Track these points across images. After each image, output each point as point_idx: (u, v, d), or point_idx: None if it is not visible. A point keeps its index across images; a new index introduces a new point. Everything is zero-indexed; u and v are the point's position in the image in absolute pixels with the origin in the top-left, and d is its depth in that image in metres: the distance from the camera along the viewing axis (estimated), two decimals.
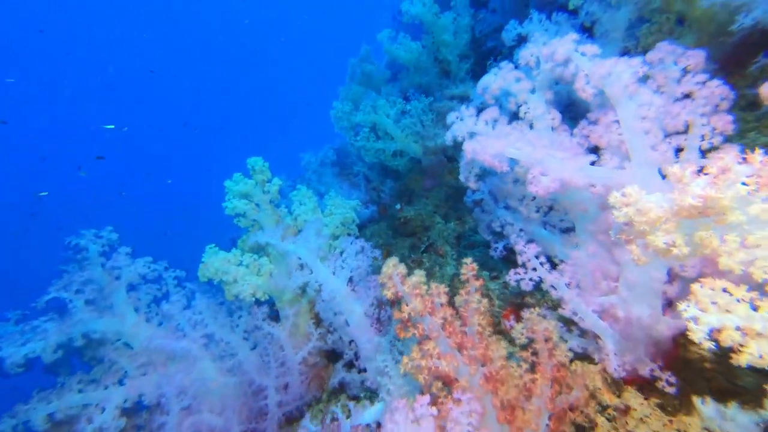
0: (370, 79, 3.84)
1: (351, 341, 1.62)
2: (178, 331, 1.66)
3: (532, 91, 1.30)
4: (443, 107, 2.65)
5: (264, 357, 1.69)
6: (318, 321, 1.85)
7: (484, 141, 1.18)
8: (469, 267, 1.13)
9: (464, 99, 2.66)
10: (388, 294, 1.07)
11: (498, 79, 1.31)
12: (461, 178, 1.46)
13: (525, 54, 1.30)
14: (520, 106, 1.29)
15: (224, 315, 1.76)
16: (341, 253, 1.66)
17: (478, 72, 3.44)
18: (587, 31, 2.06)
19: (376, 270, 1.95)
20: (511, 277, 1.27)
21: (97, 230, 1.70)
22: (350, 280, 1.60)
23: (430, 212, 2.61)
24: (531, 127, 1.26)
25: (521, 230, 1.39)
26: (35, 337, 1.41)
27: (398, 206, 2.63)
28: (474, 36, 3.47)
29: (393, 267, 1.09)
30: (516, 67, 1.38)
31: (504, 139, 1.14)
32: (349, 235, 1.90)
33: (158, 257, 1.93)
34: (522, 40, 2.19)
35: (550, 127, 1.22)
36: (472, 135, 1.30)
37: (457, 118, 1.36)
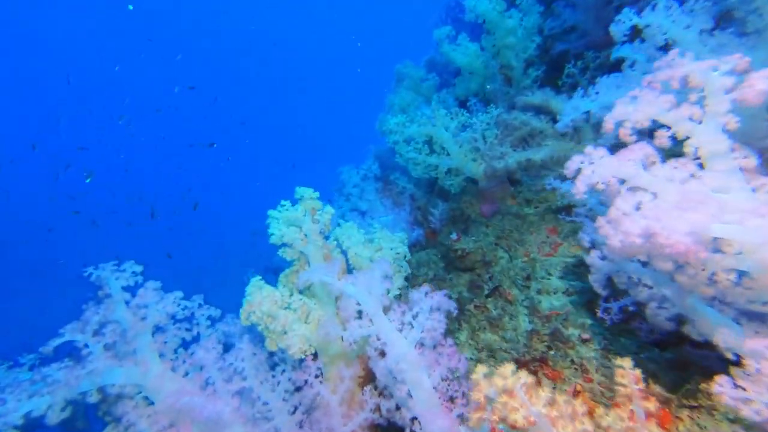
0: (419, 85, 3.57)
1: (414, 418, 1.34)
2: (209, 386, 1.44)
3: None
4: (514, 120, 2.34)
5: (305, 426, 1.44)
6: (365, 382, 1.59)
7: (657, 211, 0.86)
8: (630, 375, 0.83)
9: (542, 111, 2.34)
10: (510, 419, 0.78)
11: (645, 106, 1.00)
12: (591, 281, 1.16)
13: (681, 70, 0.98)
14: (681, 140, 0.98)
15: (266, 368, 1.53)
16: (411, 306, 1.38)
17: (545, 81, 3.11)
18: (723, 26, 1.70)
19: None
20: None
21: (119, 262, 1.50)
22: (420, 342, 1.33)
23: (492, 244, 2.31)
24: (701, 168, 0.94)
25: (666, 299, 1.08)
26: (42, 389, 1.21)
27: (454, 235, 2.34)
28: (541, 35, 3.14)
29: (514, 378, 0.80)
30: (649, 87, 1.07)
31: (699, 205, 0.83)
32: (407, 280, 1.63)
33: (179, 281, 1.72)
34: (637, 34, 1.86)
35: (738, 169, 0.90)
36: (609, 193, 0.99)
37: (585, 162, 1.06)
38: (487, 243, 2.31)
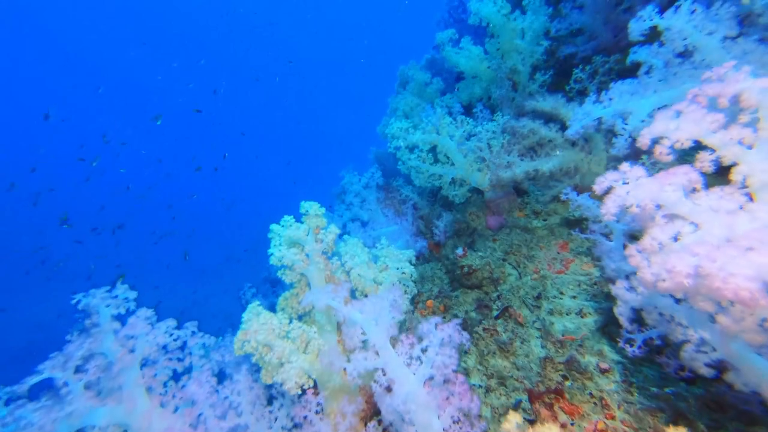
0: (423, 89, 3.47)
1: None
2: (200, 424, 1.33)
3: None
4: (522, 128, 2.24)
5: None
6: (367, 415, 1.49)
7: (707, 248, 0.76)
8: None
9: (552, 118, 2.24)
10: None
11: (689, 124, 0.90)
12: (617, 313, 1.05)
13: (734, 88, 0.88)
14: (728, 166, 0.88)
15: (263, 402, 1.42)
16: (420, 338, 1.28)
17: (552, 86, 3.01)
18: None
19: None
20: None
21: (111, 287, 1.39)
22: (430, 378, 1.22)
23: (499, 260, 2.20)
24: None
25: (705, 342, 0.98)
26: None
27: (459, 250, 2.24)
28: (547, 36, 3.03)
29: None
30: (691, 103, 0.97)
31: (762, 246, 0.72)
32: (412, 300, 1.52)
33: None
34: (655, 35, 1.76)
35: None
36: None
37: (620, 180, 0.96)
38: (494, 258, 2.21)
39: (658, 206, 0.91)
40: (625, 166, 0.95)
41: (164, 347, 1.40)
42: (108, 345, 1.30)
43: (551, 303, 1.89)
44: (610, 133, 1.99)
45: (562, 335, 1.69)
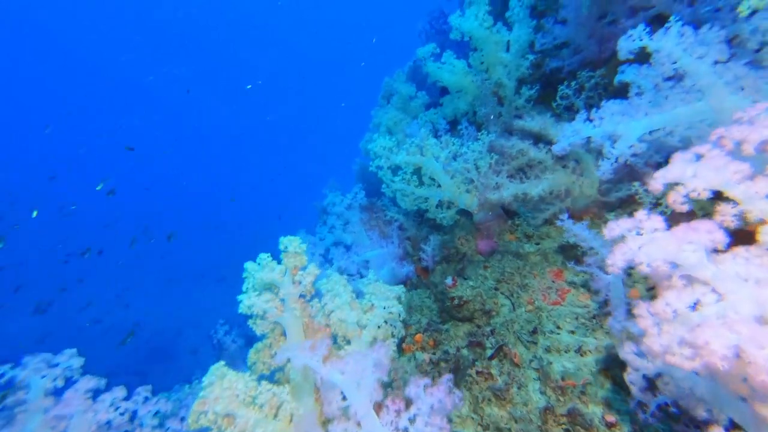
0: (408, 103, 3.35)
1: None
2: None
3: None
4: (511, 148, 2.13)
5: None
6: None
7: (744, 326, 0.64)
8: None
9: (541, 138, 2.14)
10: None
11: (710, 173, 0.78)
12: (627, 380, 0.92)
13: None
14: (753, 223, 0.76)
15: None
16: (407, 403, 1.13)
17: (539, 100, 2.93)
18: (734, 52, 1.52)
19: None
20: None
21: (54, 354, 1.20)
22: None
23: (491, 289, 2.08)
24: None
25: (720, 411, 0.86)
26: None
27: (449, 280, 2.11)
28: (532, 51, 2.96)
29: None
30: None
31: None
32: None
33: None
34: (645, 56, 1.67)
35: None
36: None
37: (633, 231, 0.83)
38: (486, 288, 2.08)
39: (675, 265, 0.79)
40: (641, 215, 0.83)
41: (108, 423, 1.21)
42: (33, 427, 1.11)
43: (548, 339, 1.77)
44: (599, 154, 1.90)
45: (562, 378, 1.57)
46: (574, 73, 2.84)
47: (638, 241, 0.83)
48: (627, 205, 1.97)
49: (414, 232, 2.95)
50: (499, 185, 2.06)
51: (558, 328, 1.79)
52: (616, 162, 1.52)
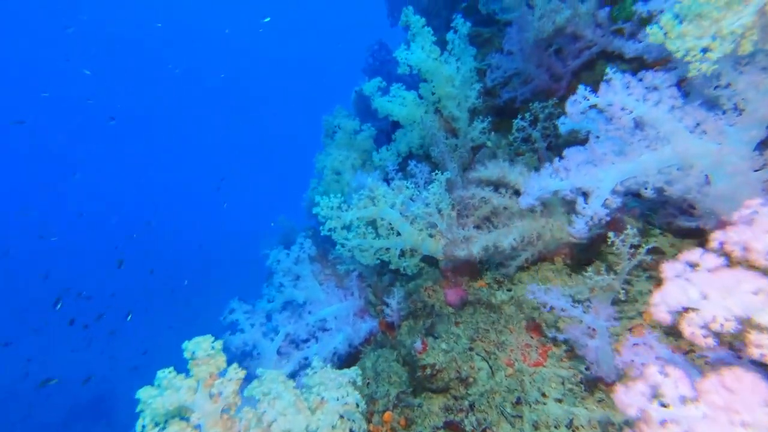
0: (353, 139, 3.15)
1: None
2: None
3: None
4: (472, 198, 1.97)
5: None
6: None
7: None
8: None
9: (501, 185, 2.00)
10: None
11: (729, 300, 0.62)
12: None
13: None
14: None
15: None
16: None
17: (498, 130, 2.85)
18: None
19: None
20: None
21: None
22: None
23: (466, 350, 1.87)
24: None
25: None
26: None
27: (418, 344, 1.88)
28: (484, 85, 2.89)
29: None
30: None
31: None
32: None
33: None
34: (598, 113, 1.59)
35: None
36: None
37: (645, 395, 0.64)
38: (460, 350, 1.87)
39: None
40: (652, 373, 0.63)
41: None
42: None
43: (534, 411, 1.57)
44: (568, 203, 1.78)
45: None
46: (527, 102, 2.80)
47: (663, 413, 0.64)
48: (598, 244, 1.86)
49: (375, 279, 2.70)
50: (467, 238, 1.88)
51: (543, 396, 1.60)
52: (591, 221, 1.39)
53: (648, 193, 1.39)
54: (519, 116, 2.48)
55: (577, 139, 2.12)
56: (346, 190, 2.89)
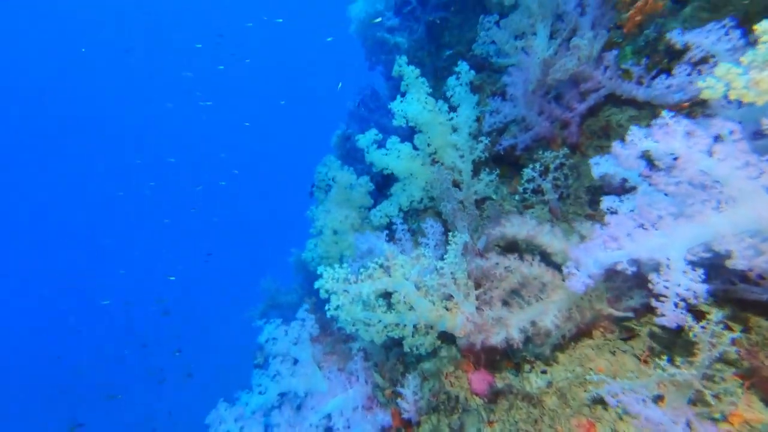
0: (349, 194, 2.92)
1: None
2: None
3: None
4: (495, 267, 1.73)
5: None
6: None
7: None
8: None
9: (532, 249, 1.78)
10: None
11: None
12: None
13: None
14: None
15: None
16: None
17: (500, 179, 2.67)
18: None
19: None
20: None
21: None
22: None
23: None
24: None
25: None
26: None
27: None
28: (481, 132, 2.75)
29: None
30: None
31: None
32: None
33: None
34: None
35: None
36: None
37: None
38: None
39: None
40: None
41: None
42: None
43: None
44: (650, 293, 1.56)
45: None
46: (529, 149, 2.66)
47: None
48: (642, 315, 1.63)
49: (382, 356, 2.37)
50: (500, 320, 1.61)
51: None
52: (682, 301, 1.15)
53: (734, 263, 1.18)
54: (529, 166, 2.33)
55: (611, 188, 1.96)
56: (347, 253, 2.61)
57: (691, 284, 1.17)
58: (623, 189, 1.63)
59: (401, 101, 2.45)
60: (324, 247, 2.62)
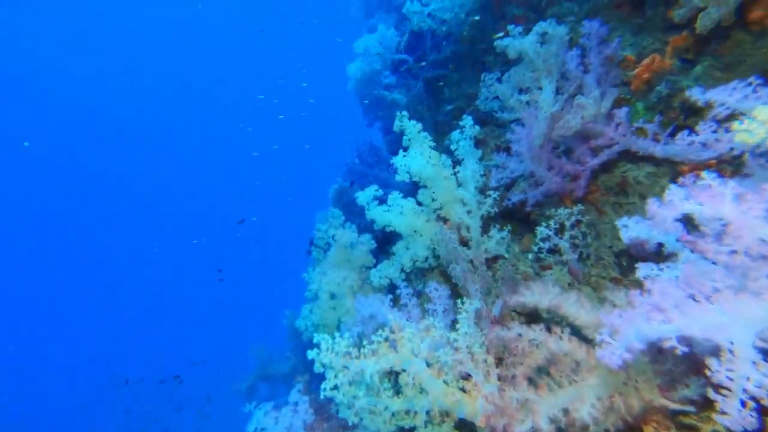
0: (350, 253, 2.75)
1: None
2: None
3: None
4: (518, 340, 1.52)
5: None
6: None
7: None
8: None
9: (557, 320, 1.59)
10: None
11: None
12: None
13: None
14: None
15: None
16: None
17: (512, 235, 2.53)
18: None
19: None
20: None
21: None
22: None
23: None
24: None
25: None
26: None
27: None
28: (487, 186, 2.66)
29: None
30: None
31: None
32: None
33: None
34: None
35: None
36: None
37: None
38: None
39: None
40: None
41: None
42: None
43: None
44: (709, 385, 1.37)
45: None
46: (540, 204, 2.56)
47: None
48: (704, 408, 1.40)
49: None
50: (524, 403, 1.38)
51: None
52: (751, 400, 0.95)
53: None
54: (543, 224, 2.19)
55: (640, 251, 1.81)
56: (346, 319, 2.39)
57: (765, 380, 0.98)
58: (657, 255, 1.48)
59: (404, 156, 2.37)
60: (320, 313, 2.40)
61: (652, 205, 1.24)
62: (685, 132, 1.76)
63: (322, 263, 2.60)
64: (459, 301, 1.91)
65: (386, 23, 6.06)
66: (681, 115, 2.00)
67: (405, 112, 2.51)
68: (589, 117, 2.14)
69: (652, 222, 1.33)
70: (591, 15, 2.84)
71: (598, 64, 2.31)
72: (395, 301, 2.13)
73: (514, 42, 2.36)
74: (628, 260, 1.99)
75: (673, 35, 2.18)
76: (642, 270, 1.34)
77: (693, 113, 1.98)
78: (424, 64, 4.21)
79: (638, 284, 1.27)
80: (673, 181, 2.03)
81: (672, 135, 1.99)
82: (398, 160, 2.34)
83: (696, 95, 1.54)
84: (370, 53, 5.50)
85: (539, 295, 1.56)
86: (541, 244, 2.18)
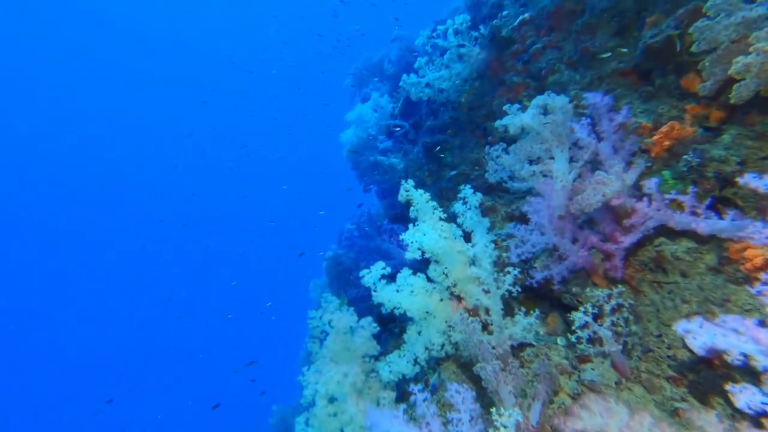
0: (350, 341, 2.40)
1: None
2: None
3: None
4: None
5: None
6: None
7: None
8: None
9: None
10: None
11: None
12: None
13: None
14: None
15: None
16: None
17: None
18: None
19: None
20: None
21: None
22: None
23: None
24: None
25: None
26: None
27: None
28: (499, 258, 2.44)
29: None
30: None
31: None
32: None
33: None
34: None
35: None
36: None
37: None
38: None
39: None
40: None
41: None
42: None
43: None
44: None
45: None
46: (566, 282, 2.32)
47: None
48: None
49: None
50: None
51: None
52: None
53: None
54: (581, 310, 1.93)
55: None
56: (349, 430, 1.98)
57: None
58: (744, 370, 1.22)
59: (414, 231, 2.16)
60: (317, 424, 2.00)
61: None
62: (735, 211, 1.59)
63: (318, 360, 2.24)
64: (492, 411, 1.58)
65: (379, 92, 6.25)
66: (717, 186, 1.87)
67: (411, 181, 2.34)
68: (612, 194, 1.99)
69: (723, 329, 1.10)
70: (595, 83, 2.85)
71: (611, 132, 2.23)
72: (409, 411, 1.78)
73: (513, 119, 2.28)
74: (685, 354, 1.71)
75: (690, 103, 2.14)
76: (741, 399, 1.07)
77: (729, 184, 1.85)
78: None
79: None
80: (720, 259, 1.85)
81: (710, 208, 1.84)
82: (409, 236, 2.12)
83: (755, 183, 1.38)
84: (363, 120, 5.57)
85: (599, 416, 1.26)
86: (580, 333, 1.90)
